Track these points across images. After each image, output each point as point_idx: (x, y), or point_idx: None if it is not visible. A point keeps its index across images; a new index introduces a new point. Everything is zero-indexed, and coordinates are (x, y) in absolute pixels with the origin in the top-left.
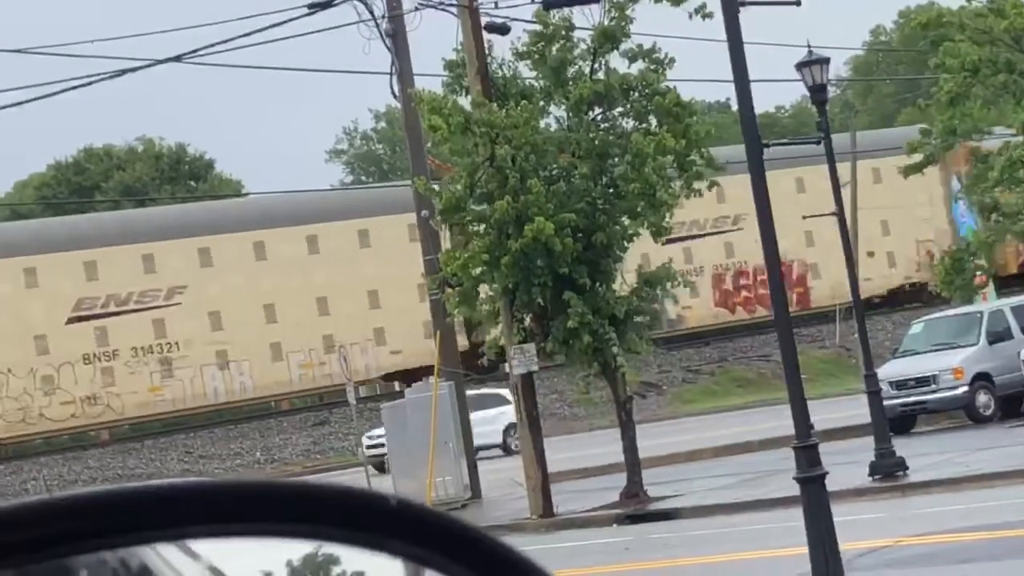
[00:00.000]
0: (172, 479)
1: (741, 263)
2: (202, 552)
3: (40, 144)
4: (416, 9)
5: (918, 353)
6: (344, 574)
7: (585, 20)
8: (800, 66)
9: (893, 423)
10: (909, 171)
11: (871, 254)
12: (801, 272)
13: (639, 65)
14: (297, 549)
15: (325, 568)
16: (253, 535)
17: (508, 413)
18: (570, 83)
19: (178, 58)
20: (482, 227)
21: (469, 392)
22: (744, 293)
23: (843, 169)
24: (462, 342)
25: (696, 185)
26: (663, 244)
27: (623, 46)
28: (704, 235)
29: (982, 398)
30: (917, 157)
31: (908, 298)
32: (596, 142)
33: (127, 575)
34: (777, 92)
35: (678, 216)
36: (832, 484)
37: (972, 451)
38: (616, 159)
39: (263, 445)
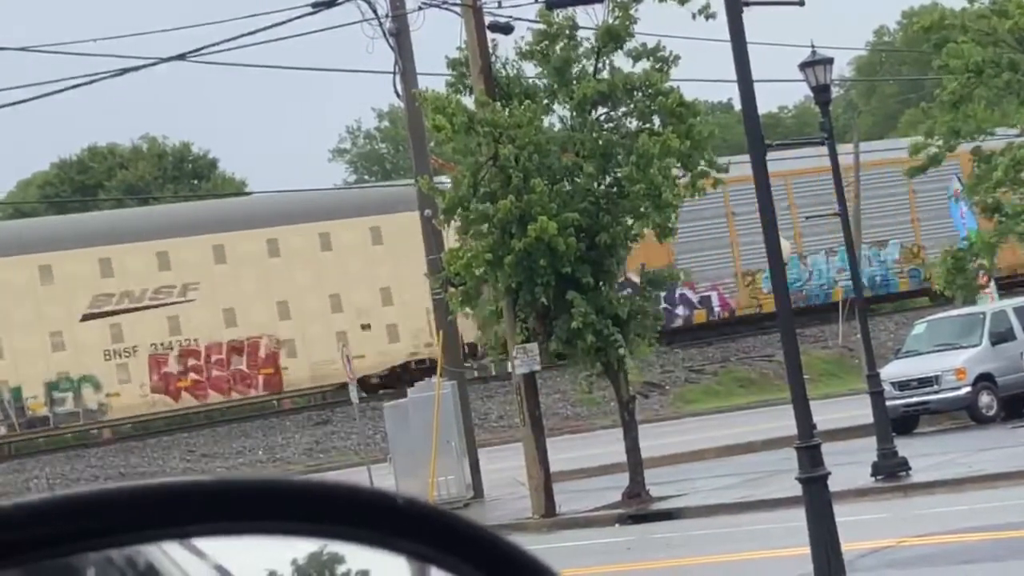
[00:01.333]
0: (177, 477)
1: (189, 340)
2: (208, 550)
3: (44, 143)
4: (419, 8)
5: (921, 353)
6: (349, 572)
7: (589, 19)
8: (803, 66)
9: (896, 423)
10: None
11: (366, 327)
12: (272, 350)
13: (643, 64)
14: (302, 547)
15: (330, 566)
16: (258, 533)
17: None
18: (574, 82)
19: (182, 56)
20: (485, 226)
21: None
22: (192, 376)
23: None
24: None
25: (700, 185)
26: (81, 322)
27: (627, 45)
28: (141, 308)
29: (985, 399)
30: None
31: (417, 375)
32: (600, 142)
33: (133, 573)
34: (780, 92)
35: (106, 287)
36: (834, 484)
37: (975, 452)
38: (620, 159)
39: (265, 444)
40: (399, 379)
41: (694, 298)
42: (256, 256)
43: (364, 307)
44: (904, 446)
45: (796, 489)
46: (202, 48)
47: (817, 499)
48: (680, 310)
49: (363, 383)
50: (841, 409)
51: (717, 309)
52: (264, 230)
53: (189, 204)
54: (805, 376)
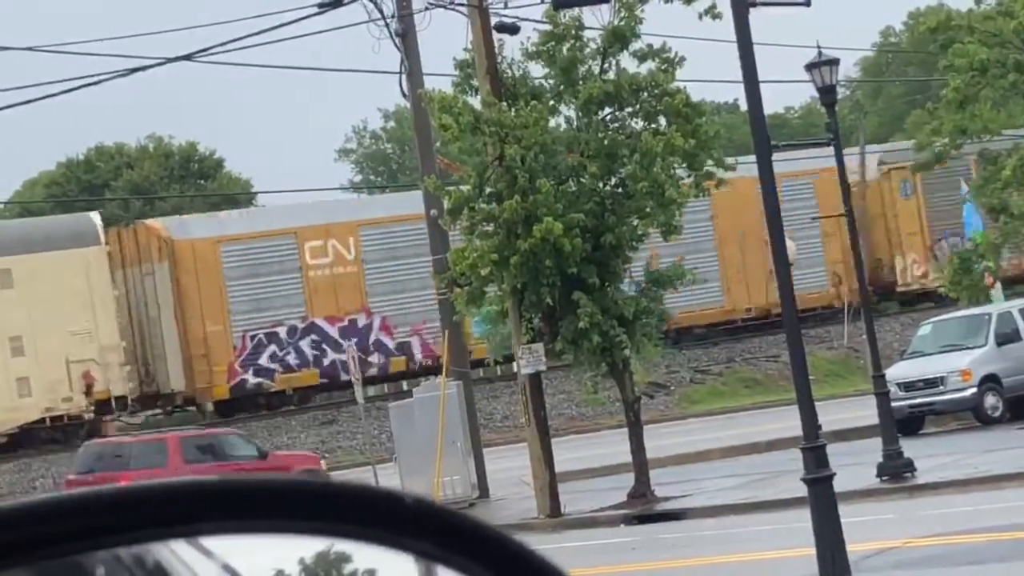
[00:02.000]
0: (183, 477)
1: None
2: (215, 549)
3: (50, 142)
4: (426, 8)
5: (926, 354)
6: (356, 572)
7: (595, 20)
8: (809, 67)
9: (901, 424)
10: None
11: None
12: None
13: (649, 65)
14: (310, 546)
15: (337, 565)
16: (266, 532)
17: None
18: (580, 83)
19: (188, 57)
20: (491, 226)
21: None
22: None
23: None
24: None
25: (706, 184)
26: None
27: (633, 46)
28: None
29: (990, 400)
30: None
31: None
32: (605, 142)
33: (142, 572)
34: (786, 93)
35: None
36: (840, 485)
37: (980, 452)
38: (625, 159)
39: (271, 444)
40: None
41: (391, 344)
42: None
43: None
44: (909, 447)
45: (801, 490)
46: (209, 48)
47: (822, 500)
48: (375, 358)
49: None
50: (846, 410)
51: (419, 357)
52: None
53: None
54: (810, 377)
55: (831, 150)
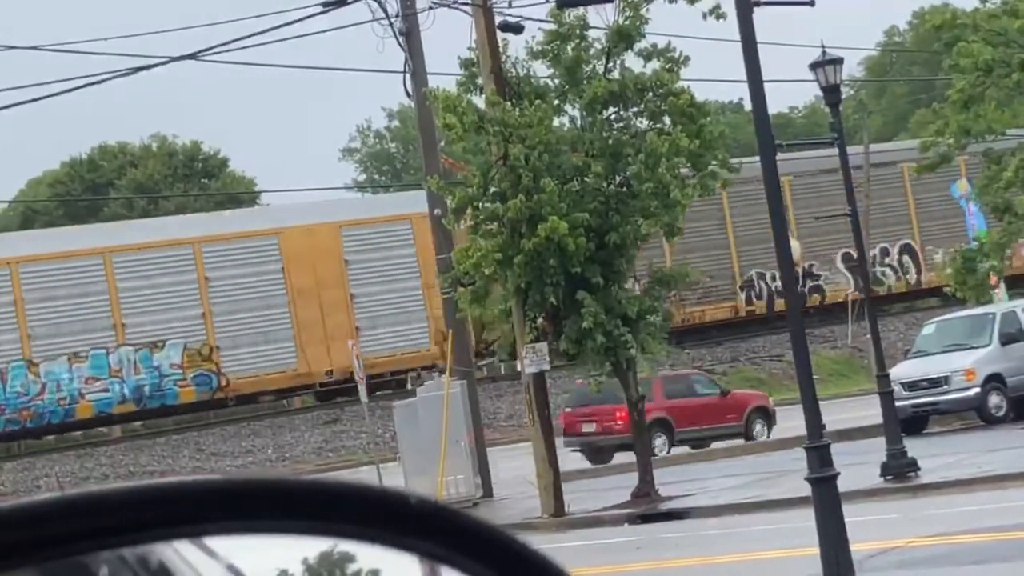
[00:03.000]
0: (187, 476)
1: None
2: (219, 549)
3: (55, 141)
4: (430, 8)
5: (930, 354)
6: (361, 572)
7: (600, 19)
8: (814, 66)
9: (905, 424)
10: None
11: None
12: None
13: (654, 64)
14: (313, 546)
15: (341, 565)
16: (270, 532)
17: None
18: (584, 82)
19: (193, 56)
20: (495, 226)
21: None
22: None
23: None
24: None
25: (710, 184)
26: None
27: (637, 45)
28: None
29: (994, 399)
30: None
31: None
32: (610, 142)
33: (145, 572)
34: (791, 92)
35: None
36: (844, 484)
37: (984, 452)
38: (629, 159)
39: (275, 443)
40: None
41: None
42: None
43: None
44: (913, 446)
45: (805, 489)
46: (213, 47)
47: (826, 499)
48: None
49: None
50: (850, 409)
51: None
52: None
53: None
54: (814, 376)
55: None
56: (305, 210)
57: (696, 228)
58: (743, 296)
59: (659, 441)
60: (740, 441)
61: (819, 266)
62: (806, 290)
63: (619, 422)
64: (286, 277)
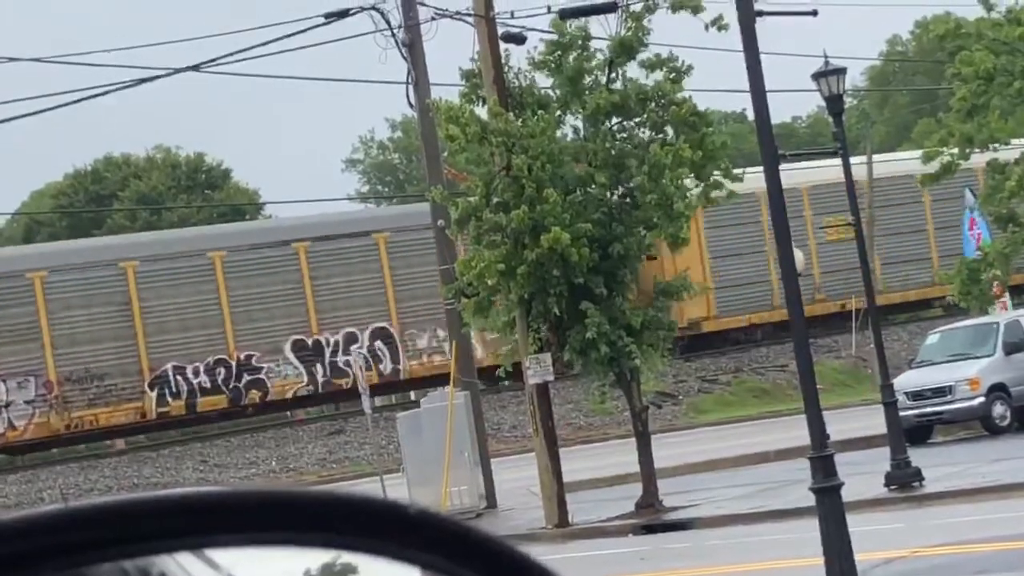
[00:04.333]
0: (190, 488)
1: None
2: (221, 561)
3: (57, 154)
4: (432, 19)
5: (934, 364)
6: None
7: (602, 30)
8: (816, 76)
9: (909, 433)
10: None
11: None
12: None
13: (656, 75)
14: (315, 558)
15: None
16: (272, 544)
17: None
18: (586, 93)
19: (196, 67)
20: (498, 236)
21: None
22: None
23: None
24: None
25: (714, 195)
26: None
27: (640, 56)
28: None
29: (998, 409)
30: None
31: None
32: (613, 152)
33: None
34: (793, 102)
35: None
36: (848, 495)
37: (988, 462)
38: (632, 169)
39: (278, 454)
40: None
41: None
42: None
43: None
44: (918, 456)
45: (810, 499)
46: (216, 59)
47: (831, 509)
48: None
49: None
50: (855, 419)
51: None
52: None
53: None
54: (818, 386)
55: None
56: None
57: None
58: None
59: None
60: (744, 452)
61: (261, 357)
62: (242, 385)
63: None
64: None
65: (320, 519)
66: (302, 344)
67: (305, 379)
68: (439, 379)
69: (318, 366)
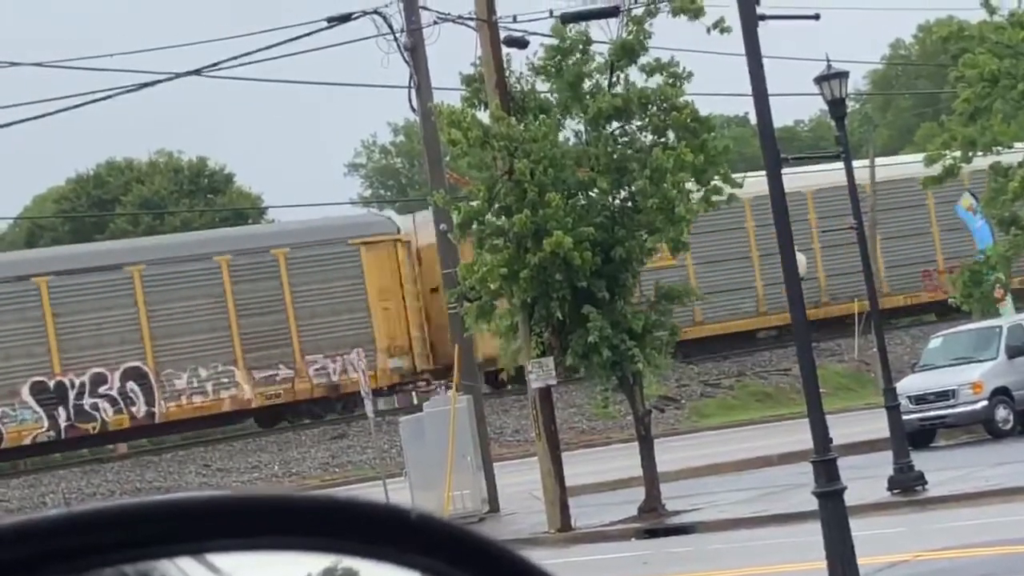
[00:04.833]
0: (191, 492)
1: None
2: (222, 566)
3: (60, 158)
4: (435, 23)
5: (937, 367)
6: None
7: (603, 34)
8: (819, 80)
9: (912, 437)
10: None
11: None
12: None
13: (657, 79)
14: (316, 563)
15: None
16: (273, 549)
17: None
18: (588, 97)
19: (198, 71)
20: (500, 241)
21: None
22: None
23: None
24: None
25: (715, 199)
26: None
27: (641, 60)
28: None
29: (1001, 412)
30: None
31: None
32: (614, 156)
33: None
34: (796, 106)
35: None
36: (851, 499)
37: (991, 466)
38: (634, 173)
39: (281, 459)
40: None
41: None
42: None
43: None
44: (921, 460)
45: (812, 503)
46: (218, 63)
47: (833, 513)
48: None
49: None
50: (857, 423)
51: None
52: None
53: None
54: (821, 390)
55: None
56: None
57: None
58: None
59: None
60: (747, 455)
61: None
62: None
63: None
64: None
65: (321, 523)
66: (41, 386)
67: (46, 424)
68: (201, 421)
69: (60, 409)
